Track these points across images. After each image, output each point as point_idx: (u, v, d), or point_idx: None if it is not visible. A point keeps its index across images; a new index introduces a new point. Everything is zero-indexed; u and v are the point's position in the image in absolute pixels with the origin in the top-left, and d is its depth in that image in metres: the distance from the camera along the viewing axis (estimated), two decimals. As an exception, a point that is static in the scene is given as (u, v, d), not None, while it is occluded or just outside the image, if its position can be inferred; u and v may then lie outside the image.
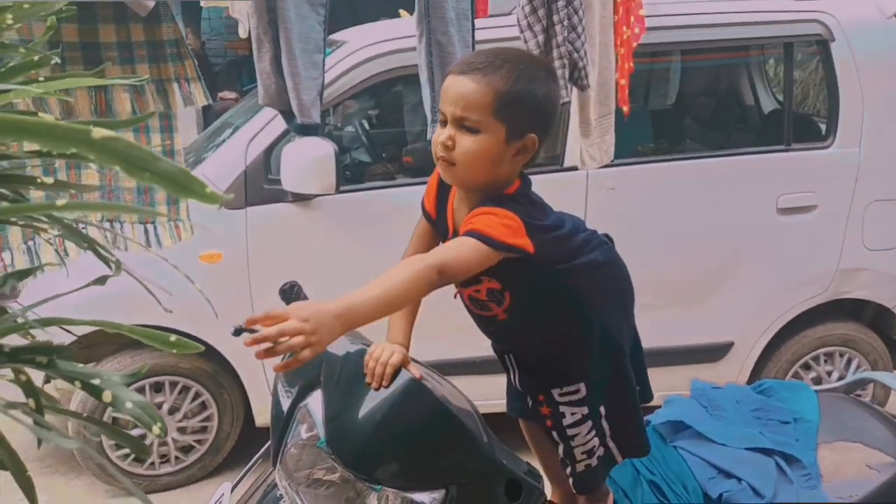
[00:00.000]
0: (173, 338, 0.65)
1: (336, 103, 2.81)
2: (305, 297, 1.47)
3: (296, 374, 1.23)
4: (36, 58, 0.63)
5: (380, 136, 3.53)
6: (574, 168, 2.66)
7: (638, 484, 1.47)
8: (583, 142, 2.52)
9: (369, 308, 0.97)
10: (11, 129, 0.41)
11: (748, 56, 3.46)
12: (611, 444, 1.32)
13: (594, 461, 1.31)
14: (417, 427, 1.11)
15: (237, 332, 1.50)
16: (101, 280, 0.69)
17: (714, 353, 2.89)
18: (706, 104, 3.71)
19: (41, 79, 0.65)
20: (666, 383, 2.50)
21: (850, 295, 2.91)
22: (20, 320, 0.63)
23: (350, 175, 3.01)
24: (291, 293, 1.45)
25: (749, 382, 2.77)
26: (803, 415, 1.62)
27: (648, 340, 2.72)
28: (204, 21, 6.35)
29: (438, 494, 1.07)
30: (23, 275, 0.64)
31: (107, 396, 0.60)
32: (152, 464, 2.76)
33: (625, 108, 2.57)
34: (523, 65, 1.17)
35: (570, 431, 1.29)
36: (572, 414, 1.28)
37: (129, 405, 0.60)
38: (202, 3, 2.03)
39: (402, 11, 4.09)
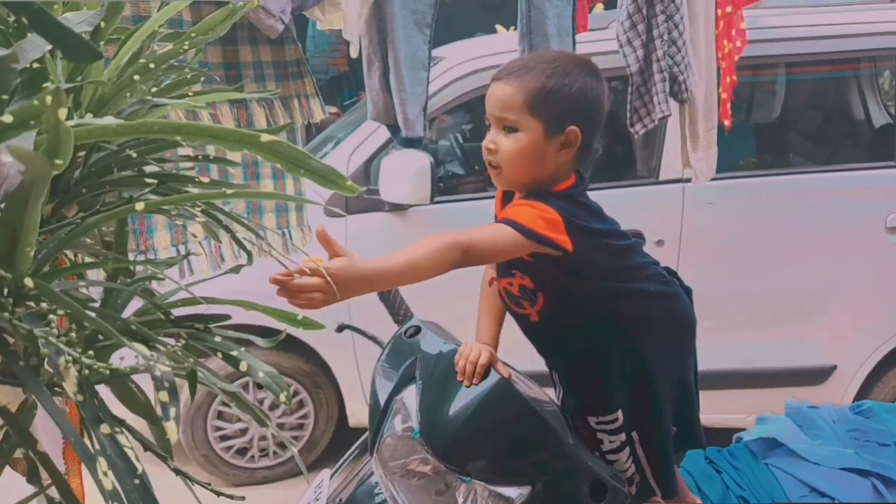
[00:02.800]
0: (300, 316, 0.74)
1: (433, 118, 2.91)
2: (402, 300, 1.55)
3: (393, 369, 1.30)
4: (189, 76, 0.73)
5: (473, 150, 3.61)
6: (671, 181, 2.64)
7: (727, 499, 1.46)
8: (692, 156, 2.50)
9: (392, 275, 0.99)
10: (202, 134, 0.51)
11: (858, 68, 3.32)
12: (647, 473, 1.29)
13: (633, 489, 1.29)
14: (505, 424, 1.15)
15: (340, 328, 1.61)
16: (236, 269, 0.78)
17: (815, 376, 2.77)
18: (813, 118, 3.58)
19: (191, 94, 0.75)
20: (762, 406, 2.43)
21: (965, 319, 2.73)
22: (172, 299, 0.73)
23: (443, 187, 3.10)
24: (389, 295, 1.54)
25: (852, 407, 2.65)
26: (906, 438, 1.56)
27: (746, 361, 2.65)
28: (309, 39, 6.67)
29: (525, 490, 1.11)
30: (168, 264, 0.75)
31: (243, 366, 0.69)
32: (252, 457, 2.92)
33: (726, 123, 2.53)
34: (556, 63, 1.20)
35: (609, 457, 1.29)
36: (610, 441, 1.28)
37: (261, 374, 0.69)
38: (318, 27, 2.17)
39: (498, 27, 4.18)
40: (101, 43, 0.73)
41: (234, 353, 0.69)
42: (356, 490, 1.36)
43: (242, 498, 0.82)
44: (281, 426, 2.91)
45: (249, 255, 0.80)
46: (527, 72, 1.17)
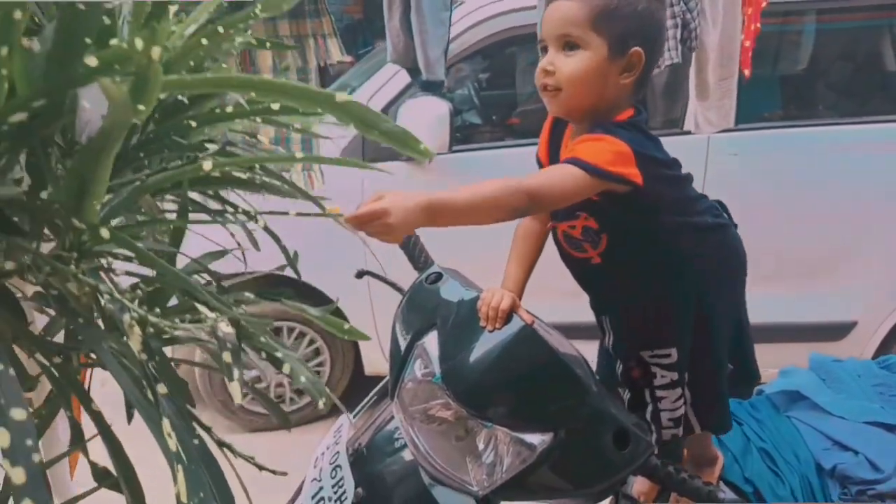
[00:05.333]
0: (347, 326, 0.75)
1: (451, 63, 2.85)
2: (423, 247, 1.53)
3: (413, 316, 1.29)
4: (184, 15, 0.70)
5: (490, 99, 3.54)
6: (689, 132, 2.59)
7: (748, 450, 1.45)
8: (699, 104, 2.44)
9: (452, 210, 0.98)
10: (276, 90, 0.50)
11: (892, 17, 3.20)
12: (689, 412, 1.29)
13: (680, 431, 1.29)
14: (527, 370, 1.14)
15: (360, 274, 1.59)
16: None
17: (836, 331, 2.75)
18: (842, 69, 3.47)
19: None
20: (783, 360, 2.41)
21: None
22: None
23: (460, 136, 3.05)
24: (409, 243, 1.52)
25: (872, 363, 2.63)
26: (931, 393, 1.54)
27: (766, 315, 2.64)
28: (324, -14, 6.53)
29: (547, 437, 1.10)
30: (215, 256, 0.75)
31: (286, 368, 0.69)
32: (269, 403, 2.95)
33: (746, 72, 2.46)
34: None
35: (658, 393, 1.27)
36: (662, 376, 1.27)
37: (303, 379, 0.69)
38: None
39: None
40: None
41: (279, 354, 0.68)
42: (375, 435, 1.36)
43: (285, 473, 0.83)
44: (281, 384, 2.93)
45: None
46: None
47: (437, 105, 2.45)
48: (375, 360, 2.87)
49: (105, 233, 0.50)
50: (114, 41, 0.50)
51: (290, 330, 2.88)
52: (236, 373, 0.55)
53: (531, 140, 2.77)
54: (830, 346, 2.73)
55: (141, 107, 0.44)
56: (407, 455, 1.23)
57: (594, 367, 1.46)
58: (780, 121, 2.96)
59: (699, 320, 1.24)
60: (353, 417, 1.46)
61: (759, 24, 2.46)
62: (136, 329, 0.50)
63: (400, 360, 1.25)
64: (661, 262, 1.23)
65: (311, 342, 2.91)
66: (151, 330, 0.53)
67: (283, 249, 0.83)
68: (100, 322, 0.55)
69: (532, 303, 1.29)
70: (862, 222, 2.68)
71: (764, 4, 2.45)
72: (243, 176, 0.70)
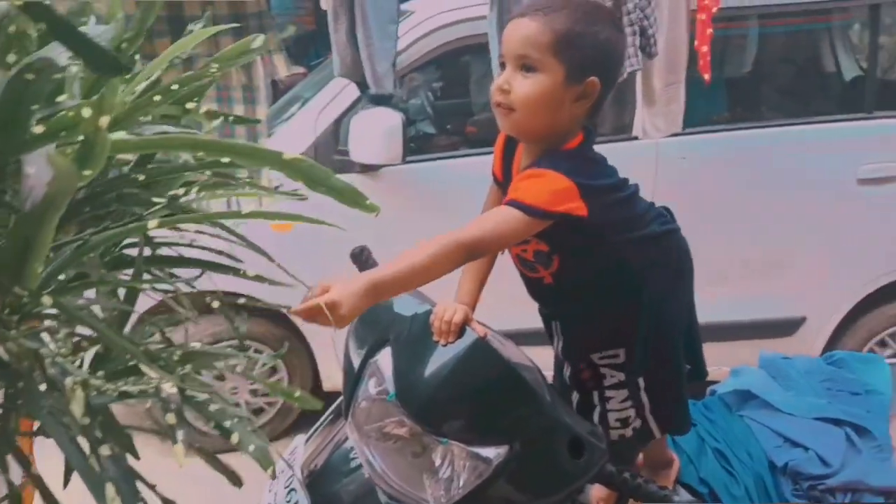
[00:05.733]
0: (297, 393, 0.78)
1: (403, 74, 2.84)
2: (374, 262, 1.52)
3: (366, 332, 1.28)
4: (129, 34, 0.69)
5: (445, 108, 3.55)
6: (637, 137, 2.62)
7: (703, 451, 1.47)
8: (646, 110, 2.48)
9: (395, 283, 1.01)
10: (222, 150, 0.49)
11: (830, 20, 3.31)
12: (649, 418, 1.30)
13: (628, 432, 1.30)
14: (481, 382, 1.14)
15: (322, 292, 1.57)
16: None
17: (785, 327, 2.81)
18: (784, 71, 3.57)
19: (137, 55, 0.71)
20: (735, 358, 2.45)
21: (933, 270, 2.78)
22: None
23: (415, 146, 3.05)
24: (361, 256, 1.50)
25: (822, 357, 2.70)
26: (875, 387, 1.58)
27: (718, 314, 2.68)
28: (273, -4, 6.47)
29: (502, 450, 1.10)
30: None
31: (234, 438, 0.69)
32: (228, 422, 2.89)
33: (706, 76, 2.50)
34: (584, 8, 1.16)
35: (607, 393, 1.29)
36: (612, 376, 1.29)
37: (251, 448, 0.68)
38: (275, -23, 2.11)
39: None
40: (133, 57, 0.70)
41: (227, 424, 0.67)
42: (331, 456, 1.35)
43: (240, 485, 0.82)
44: (254, 392, 2.89)
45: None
46: (555, 12, 1.13)
47: (389, 116, 2.44)
48: (333, 376, 2.83)
49: (47, 300, 0.49)
50: (62, 97, 0.49)
51: (246, 348, 2.83)
52: (180, 434, 0.54)
53: (487, 149, 2.78)
54: (781, 342, 2.79)
55: (87, 172, 0.43)
56: (364, 474, 1.22)
57: (550, 374, 1.47)
58: (727, 123, 3.03)
59: (655, 324, 1.26)
60: (308, 438, 1.45)
61: (711, 30, 2.50)
62: (79, 392, 0.49)
63: (353, 379, 1.24)
64: (613, 277, 1.24)
65: (269, 359, 2.87)
66: (94, 392, 0.52)
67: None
68: (44, 385, 0.54)
69: (484, 308, 1.30)
70: (809, 221, 2.75)
71: (715, 10, 2.49)
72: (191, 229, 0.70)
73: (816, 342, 2.83)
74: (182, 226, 0.79)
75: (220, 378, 2.77)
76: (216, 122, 0.85)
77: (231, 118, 0.92)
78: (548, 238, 1.18)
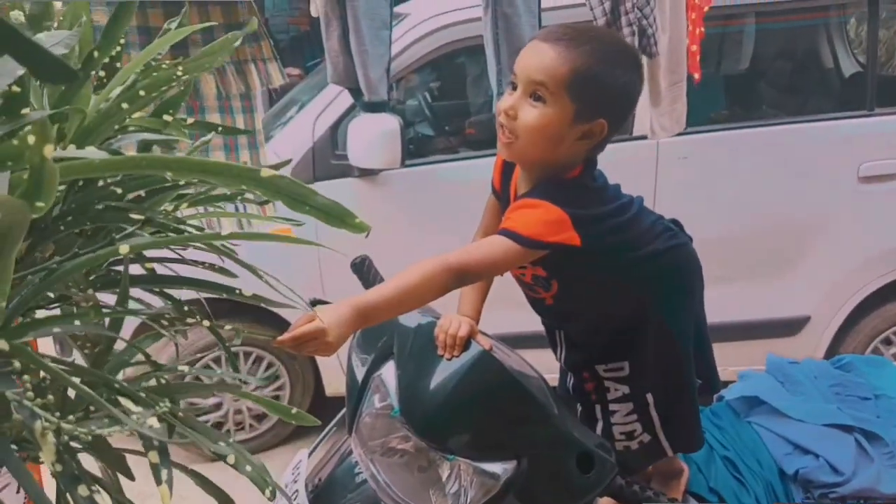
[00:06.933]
0: (294, 411, 0.76)
1: (399, 77, 2.82)
2: (376, 271, 1.49)
3: (369, 344, 1.26)
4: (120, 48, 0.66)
5: (442, 109, 3.52)
6: (644, 137, 2.60)
7: (712, 459, 1.45)
8: (652, 111, 2.46)
9: (382, 308, 0.99)
10: (195, 169, 0.46)
11: (827, 16, 3.29)
12: (660, 435, 1.28)
13: (634, 444, 1.28)
14: (488, 397, 1.12)
15: (313, 303, 1.55)
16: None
17: (790, 327, 2.80)
18: (782, 68, 3.55)
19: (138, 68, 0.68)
20: (740, 358, 2.44)
21: (937, 267, 2.76)
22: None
23: (414, 149, 3.02)
24: (363, 267, 1.48)
25: (826, 358, 2.68)
26: (885, 391, 1.56)
27: (722, 314, 2.66)
28: (267, -3, 6.44)
29: (510, 465, 1.08)
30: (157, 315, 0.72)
31: (231, 459, 0.66)
32: (228, 431, 2.87)
33: (696, 76, 2.49)
34: (609, 46, 1.12)
35: (612, 406, 1.27)
36: (615, 389, 1.26)
37: (248, 468, 0.66)
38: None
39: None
40: (94, 72, 0.67)
41: (221, 444, 0.65)
42: (335, 469, 1.32)
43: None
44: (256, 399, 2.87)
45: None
46: (577, 45, 1.08)
47: (386, 120, 2.41)
48: (336, 382, 2.81)
49: (3, 344, 0.46)
50: (25, 111, 0.46)
51: (247, 354, 2.81)
52: (164, 473, 0.51)
53: (485, 151, 2.77)
54: (786, 341, 2.78)
55: (40, 203, 0.40)
56: (370, 488, 1.20)
57: (555, 382, 1.45)
58: (726, 122, 3.01)
59: (664, 337, 1.24)
60: (312, 451, 1.42)
61: (703, 29, 2.49)
62: (50, 437, 0.46)
63: (357, 393, 1.21)
64: (615, 297, 1.22)
65: (270, 365, 2.85)
66: (66, 438, 0.49)
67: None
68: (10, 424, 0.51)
69: (488, 314, 1.28)
70: (812, 218, 2.74)
71: (706, 9, 2.48)
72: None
73: (822, 340, 2.81)
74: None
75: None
76: (210, 135, 0.82)
77: (220, 128, 0.88)
78: (545, 264, 1.16)
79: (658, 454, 1.31)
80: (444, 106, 3.57)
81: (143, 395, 0.55)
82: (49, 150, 0.39)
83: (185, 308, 0.79)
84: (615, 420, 1.27)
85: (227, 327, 0.80)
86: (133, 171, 0.56)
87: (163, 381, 0.69)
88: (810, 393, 1.57)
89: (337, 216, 0.55)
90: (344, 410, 1.33)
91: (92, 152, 0.54)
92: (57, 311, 0.65)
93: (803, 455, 1.43)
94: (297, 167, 2.62)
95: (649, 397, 1.26)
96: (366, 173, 2.61)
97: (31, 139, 0.39)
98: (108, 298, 0.71)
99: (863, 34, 3.20)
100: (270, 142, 2.75)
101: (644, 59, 2.36)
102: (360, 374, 1.23)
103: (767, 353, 1.82)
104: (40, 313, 0.63)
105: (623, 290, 1.22)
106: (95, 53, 0.62)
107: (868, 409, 1.51)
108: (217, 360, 2.73)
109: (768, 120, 2.98)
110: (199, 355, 2.66)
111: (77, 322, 0.57)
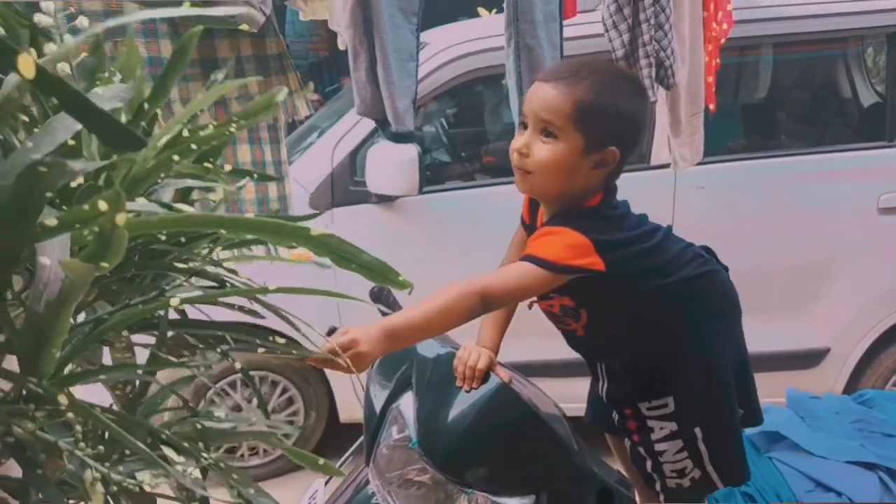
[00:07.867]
0: (321, 461, 0.75)
1: (418, 105, 2.85)
2: (395, 299, 1.50)
3: (387, 374, 1.26)
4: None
5: (460, 137, 3.55)
6: (662, 166, 2.61)
7: (731, 495, 1.43)
8: (673, 141, 2.47)
9: (412, 330, 1.00)
10: (248, 227, 0.48)
11: (845, 47, 3.29)
12: (709, 469, 1.26)
13: (686, 482, 1.26)
14: (507, 431, 1.12)
15: (331, 332, 1.55)
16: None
17: (809, 359, 2.76)
18: (800, 98, 3.55)
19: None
20: (758, 390, 2.41)
21: (958, 300, 2.73)
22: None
23: (431, 176, 3.04)
24: (381, 295, 1.49)
25: (846, 391, 2.64)
26: (910, 428, 1.54)
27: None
28: (288, 25, 6.56)
29: (529, 500, 1.08)
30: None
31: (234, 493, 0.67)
32: (242, 455, 2.87)
33: (711, 106, 2.50)
34: (609, 77, 1.15)
35: (658, 447, 1.26)
36: (661, 429, 1.25)
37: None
38: (301, 18, 2.13)
39: (481, 10, 4.10)
40: (143, 123, 0.69)
41: (251, 490, 0.67)
42: (352, 499, 1.32)
43: None
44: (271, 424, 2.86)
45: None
46: (578, 80, 1.12)
47: (405, 149, 2.43)
48: (350, 408, 2.81)
49: (62, 399, 0.47)
50: (78, 162, 0.47)
51: (263, 379, 2.82)
52: None
53: (502, 179, 2.78)
54: (805, 374, 2.74)
55: (104, 264, 0.42)
56: (386, 520, 1.19)
57: (584, 409, 1.44)
58: (744, 151, 3.00)
59: (704, 368, 1.23)
60: (328, 480, 1.42)
61: (718, 60, 2.50)
62: (99, 487, 0.47)
63: (375, 423, 1.22)
64: (648, 326, 1.22)
65: (285, 390, 2.85)
66: (115, 488, 0.50)
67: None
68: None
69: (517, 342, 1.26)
70: (831, 249, 2.72)
71: (723, 41, 2.50)
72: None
73: (842, 373, 2.77)
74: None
75: (238, 409, 2.76)
76: (242, 182, 0.84)
77: (255, 176, 0.90)
78: (572, 293, 1.16)
79: (708, 489, 1.29)
80: (462, 133, 3.60)
81: (185, 444, 0.55)
82: (122, 219, 0.40)
83: (210, 340, 0.79)
84: (664, 459, 1.26)
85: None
86: (190, 229, 0.57)
87: (198, 427, 0.70)
88: (832, 428, 1.55)
89: (381, 273, 0.56)
90: (361, 439, 1.33)
91: (144, 205, 0.56)
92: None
93: (825, 492, 1.41)
94: (316, 193, 2.64)
95: (697, 431, 1.24)
96: (383, 199, 2.63)
97: (103, 206, 0.40)
98: (138, 339, 0.72)
99: (881, 64, 3.19)
100: (291, 167, 2.78)
101: (662, 91, 2.38)
102: (378, 404, 1.23)
103: (786, 385, 1.80)
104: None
105: (654, 319, 1.21)
106: (146, 105, 0.64)
107: (891, 447, 1.49)
108: (232, 384, 2.74)
109: (787, 150, 2.98)
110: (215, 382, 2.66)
111: (121, 372, 0.58)
